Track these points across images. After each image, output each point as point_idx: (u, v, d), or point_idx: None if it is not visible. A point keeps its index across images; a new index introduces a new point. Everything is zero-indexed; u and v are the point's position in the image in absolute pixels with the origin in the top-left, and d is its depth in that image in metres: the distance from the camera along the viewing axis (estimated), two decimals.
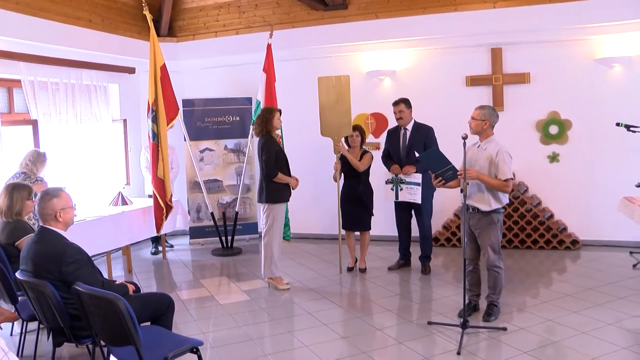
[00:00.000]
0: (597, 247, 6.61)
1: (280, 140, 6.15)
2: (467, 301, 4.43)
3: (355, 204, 5.79)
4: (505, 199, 4.33)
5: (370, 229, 5.89)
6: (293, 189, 5.39)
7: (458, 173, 4.21)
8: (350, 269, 5.99)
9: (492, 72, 6.82)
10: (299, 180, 5.41)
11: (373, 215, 5.89)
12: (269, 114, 5.27)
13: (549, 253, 6.48)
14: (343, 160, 5.82)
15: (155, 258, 6.98)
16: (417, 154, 5.21)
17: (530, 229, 6.62)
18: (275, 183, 5.22)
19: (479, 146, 4.39)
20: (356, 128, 5.83)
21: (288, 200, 5.39)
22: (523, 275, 5.63)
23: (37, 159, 5.12)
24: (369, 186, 5.84)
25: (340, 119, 5.78)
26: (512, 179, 4.23)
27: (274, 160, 5.16)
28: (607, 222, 6.57)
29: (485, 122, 4.32)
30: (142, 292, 3.82)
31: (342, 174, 5.87)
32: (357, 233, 6.06)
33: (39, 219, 3.36)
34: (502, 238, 4.50)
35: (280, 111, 5.41)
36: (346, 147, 5.88)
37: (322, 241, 7.41)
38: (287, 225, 6.34)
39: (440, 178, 4.26)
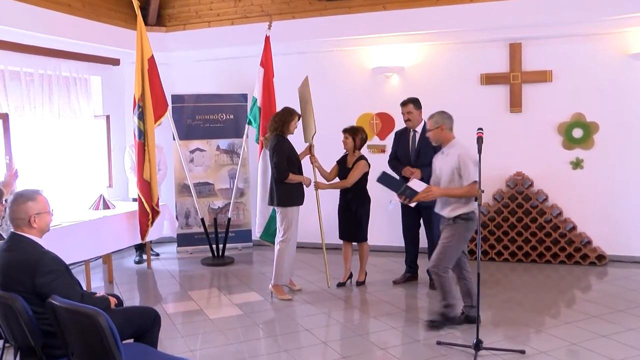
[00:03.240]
0: (626, 263, 6.51)
1: None
2: (459, 311, 4.65)
3: (345, 213, 5.78)
4: (470, 205, 4.42)
5: (364, 240, 5.82)
6: (307, 186, 5.50)
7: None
8: (341, 285, 5.88)
9: (509, 70, 6.79)
10: (311, 179, 5.53)
11: (362, 226, 5.73)
12: (290, 116, 5.40)
13: (570, 268, 6.41)
14: (339, 161, 5.85)
15: (139, 267, 6.94)
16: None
17: (550, 242, 6.55)
18: (287, 185, 5.33)
19: (442, 152, 4.62)
20: (347, 130, 5.77)
21: (302, 203, 5.47)
22: (542, 292, 5.58)
23: None
24: (362, 194, 5.75)
25: (308, 122, 5.86)
26: (476, 181, 4.25)
27: (285, 161, 5.28)
28: (637, 235, 6.50)
29: (439, 127, 4.51)
30: (124, 305, 3.77)
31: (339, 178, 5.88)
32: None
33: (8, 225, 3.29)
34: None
35: (299, 117, 5.51)
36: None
37: (321, 251, 7.31)
38: (270, 225, 6.26)
39: (405, 196, 4.58)
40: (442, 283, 4.53)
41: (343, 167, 5.80)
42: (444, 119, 4.52)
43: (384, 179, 4.67)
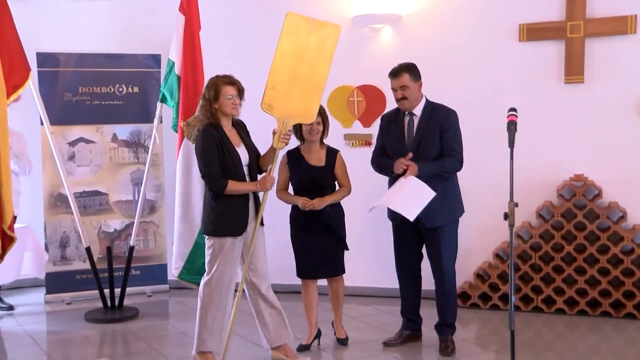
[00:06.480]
0: None
1: None
2: None
3: (319, 235, 5.73)
4: None
5: (344, 271, 5.88)
6: (261, 191, 5.35)
7: None
8: (305, 348, 5.83)
9: (566, 18, 6.71)
10: (273, 180, 5.26)
11: (342, 250, 5.86)
12: (212, 89, 5.27)
13: None
14: (293, 162, 5.74)
15: None
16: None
17: (632, 285, 6.37)
18: (219, 202, 5.25)
19: None
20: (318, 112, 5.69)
21: (237, 233, 5.23)
22: None
23: None
24: (340, 205, 5.85)
25: (305, 92, 5.48)
26: None
27: (216, 164, 5.20)
28: None
29: None
30: None
31: (292, 184, 5.81)
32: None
33: None
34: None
35: (235, 84, 5.27)
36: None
37: (294, 296, 7.12)
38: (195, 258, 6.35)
39: None
40: None
41: (307, 170, 5.66)
42: None
43: None
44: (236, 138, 5.30)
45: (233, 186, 5.19)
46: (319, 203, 5.59)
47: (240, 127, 5.39)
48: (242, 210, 5.30)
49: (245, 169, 5.33)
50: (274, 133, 5.35)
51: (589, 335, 6.04)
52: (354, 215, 5.95)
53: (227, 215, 5.25)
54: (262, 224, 5.38)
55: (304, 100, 5.48)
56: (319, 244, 5.75)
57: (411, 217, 5.23)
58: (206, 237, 5.36)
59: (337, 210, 5.79)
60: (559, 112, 6.71)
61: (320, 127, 5.69)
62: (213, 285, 5.30)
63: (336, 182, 5.78)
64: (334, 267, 5.81)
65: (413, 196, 5.31)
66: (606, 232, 6.46)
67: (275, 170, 5.37)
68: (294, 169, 5.73)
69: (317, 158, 5.72)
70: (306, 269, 5.82)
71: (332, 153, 5.78)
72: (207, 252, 5.35)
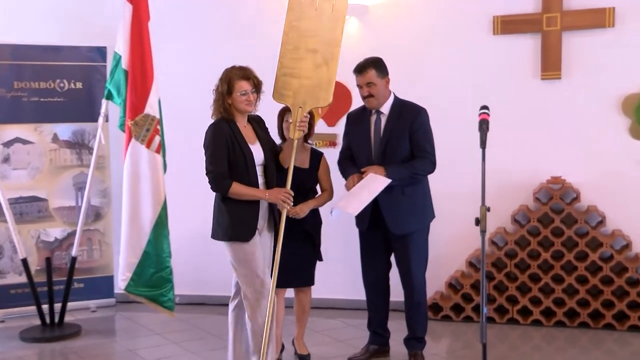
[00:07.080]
0: None
1: (159, 128, 6.41)
2: None
3: (296, 241, 5.64)
4: None
5: (314, 283, 5.92)
6: (273, 202, 5.17)
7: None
8: None
9: (542, 9, 6.76)
10: (288, 194, 5.04)
11: (321, 259, 5.91)
12: (225, 83, 5.21)
13: None
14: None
15: None
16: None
17: (611, 293, 6.43)
18: (233, 203, 5.17)
19: None
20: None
21: (247, 239, 5.14)
22: None
23: None
24: (318, 212, 5.88)
25: (318, 71, 5.34)
26: None
27: (223, 162, 5.15)
28: None
29: None
30: None
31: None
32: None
33: None
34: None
35: (251, 78, 5.18)
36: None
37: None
38: (168, 282, 6.43)
39: None
40: None
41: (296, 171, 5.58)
42: None
43: None
44: (251, 135, 5.24)
45: (237, 189, 5.11)
46: (303, 209, 5.60)
47: (257, 123, 5.34)
48: (251, 213, 5.22)
49: (259, 168, 5.26)
50: (290, 123, 5.32)
51: (567, 347, 6.11)
52: None
53: (234, 218, 5.20)
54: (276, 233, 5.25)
55: (318, 80, 5.34)
56: (294, 251, 5.68)
57: (354, 212, 5.29)
58: (225, 244, 5.27)
59: (316, 217, 5.83)
60: (535, 110, 6.77)
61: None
62: (252, 292, 5.20)
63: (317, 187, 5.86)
64: (306, 277, 5.85)
65: (366, 189, 5.32)
66: (584, 237, 6.53)
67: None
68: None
69: (300, 159, 5.66)
70: (278, 277, 5.69)
71: (316, 155, 5.82)
72: (231, 262, 5.29)
